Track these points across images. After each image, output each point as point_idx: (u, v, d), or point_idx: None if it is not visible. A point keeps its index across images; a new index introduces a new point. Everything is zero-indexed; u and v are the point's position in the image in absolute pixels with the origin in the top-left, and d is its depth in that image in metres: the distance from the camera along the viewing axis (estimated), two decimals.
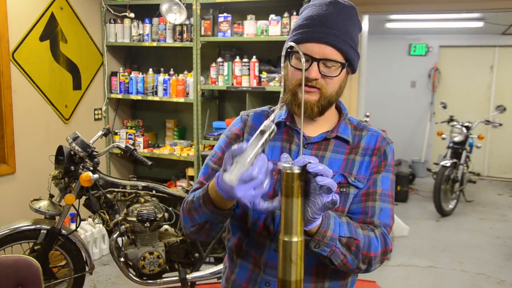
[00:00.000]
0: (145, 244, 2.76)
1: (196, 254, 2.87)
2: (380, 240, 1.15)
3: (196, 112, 3.99)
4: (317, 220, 1.01)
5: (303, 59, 1.00)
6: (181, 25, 3.96)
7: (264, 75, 3.76)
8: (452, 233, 4.90)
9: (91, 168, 2.73)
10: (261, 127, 0.97)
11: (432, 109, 7.60)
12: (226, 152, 1.29)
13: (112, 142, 4.26)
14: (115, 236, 2.74)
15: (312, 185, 0.95)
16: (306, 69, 1.14)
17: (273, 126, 0.97)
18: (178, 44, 4.03)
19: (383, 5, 4.44)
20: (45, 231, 2.69)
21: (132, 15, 4.07)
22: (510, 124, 7.06)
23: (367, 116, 5.15)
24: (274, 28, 3.68)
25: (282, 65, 1.11)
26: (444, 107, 5.98)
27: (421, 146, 7.51)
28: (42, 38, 3.59)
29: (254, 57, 3.80)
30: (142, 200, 2.80)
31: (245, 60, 3.80)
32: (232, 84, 3.87)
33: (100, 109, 4.28)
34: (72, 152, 2.71)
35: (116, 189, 2.81)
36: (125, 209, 2.77)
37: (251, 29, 3.77)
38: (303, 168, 0.94)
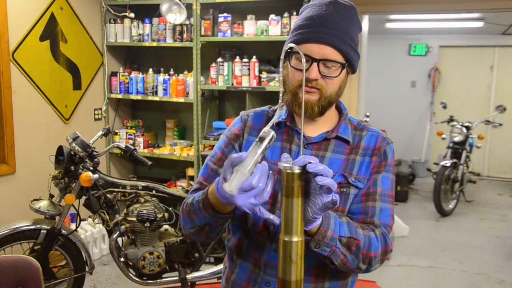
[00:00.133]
0: (145, 244, 2.76)
1: (196, 254, 2.87)
2: (380, 240, 1.16)
3: (196, 112, 3.99)
4: (317, 220, 1.02)
5: (303, 60, 1.00)
6: (181, 25, 3.96)
7: (264, 75, 3.76)
8: (452, 233, 4.90)
9: (91, 168, 2.73)
10: (260, 134, 0.98)
11: (432, 109, 7.60)
12: (225, 152, 1.30)
13: (112, 142, 4.26)
14: (115, 236, 2.74)
15: (312, 185, 0.95)
16: (306, 70, 1.14)
17: (273, 133, 0.98)
18: (178, 44, 4.03)
19: (383, 5, 4.44)
20: (45, 231, 2.69)
21: (132, 15, 4.07)
22: (510, 124, 7.06)
23: (367, 116, 5.15)
24: (274, 28, 3.68)
25: (280, 68, 1.10)
26: (444, 107, 5.98)
27: (421, 146, 7.51)
28: (42, 38, 3.59)
29: (254, 57, 3.80)
30: (142, 200, 2.80)
31: (245, 60, 3.80)
32: (232, 84, 3.87)
33: (100, 109, 4.28)
34: (72, 152, 2.71)
35: (116, 189, 2.81)
36: (125, 209, 2.77)
37: (251, 29, 3.77)
38: (303, 168, 0.94)
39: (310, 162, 0.93)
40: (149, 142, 4.46)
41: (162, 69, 4.23)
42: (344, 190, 1.21)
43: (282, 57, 1.08)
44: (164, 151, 4.23)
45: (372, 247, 1.13)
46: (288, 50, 1.18)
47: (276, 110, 1.33)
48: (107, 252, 3.83)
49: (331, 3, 1.17)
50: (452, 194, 5.59)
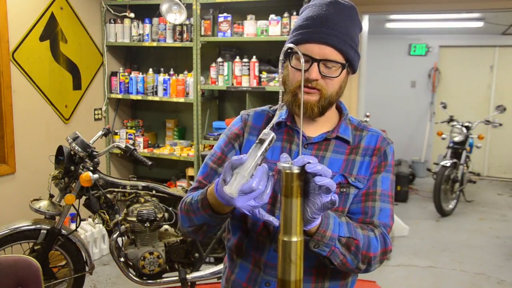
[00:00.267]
0: (145, 244, 2.76)
1: (196, 254, 2.87)
2: (379, 240, 1.16)
3: (196, 112, 3.99)
4: (316, 220, 1.02)
5: (302, 60, 1.01)
6: (181, 25, 3.96)
7: (264, 75, 3.76)
8: (452, 233, 4.90)
9: (91, 168, 2.73)
10: (260, 136, 0.98)
11: (432, 109, 7.59)
12: (225, 151, 1.30)
13: (112, 142, 4.26)
14: (115, 236, 2.74)
15: (311, 185, 0.95)
16: (306, 70, 1.14)
17: (272, 134, 0.98)
18: (178, 44, 4.03)
19: (383, 5, 4.44)
20: (45, 231, 2.69)
21: (132, 15, 4.07)
22: (510, 124, 7.06)
23: (367, 116, 5.15)
24: (274, 28, 3.68)
25: (280, 68, 1.10)
26: (444, 107, 5.98)
27: (421, 146, 7.51)
28: (42, 38, 3.59)
29: (254, 57, 3.80)
30: (142, 200, 2.80)
31: (245, 60, 3.80)
32: (232, 84, 3.87)
33: (100, 109, 4.28)
34: (72, 152, 2.71)
35: (116, 189, 2.81)
36: (125, 209, 2.77)
37: (251, 29, 3.77)
38: (302, 168, 0.94)
39: (309, 162, 0.93)
40: (149, 142, 4.46)
41: (162, 69, 4.23)
42: (344, 190, 1.21)
43: (281, 58, 1.09)
44: (164, 151, 4.23)
45: (371, 247, 1.13)
46: (289, 51, 1.18)
47: (276, 110, 1.33)
48: (107, 252, 3.83)
49: (332, 3, 1.17)
50: (452, 194, 5.59)
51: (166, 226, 2.93)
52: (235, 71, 3.83)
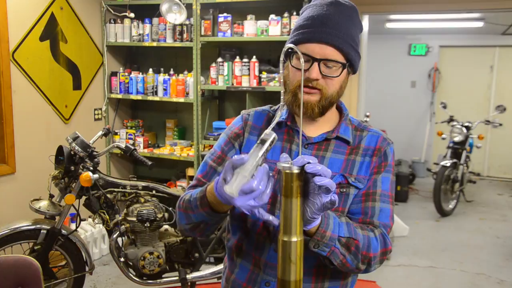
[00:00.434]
0: (145, 244, 2.76)
1: (196, 254, 2.87)
2: (379, 240, 1.16)
3: (196, 112, 3.99)
4: (316, 220, 1.02)
5: (302, 60, 1.01)
6: (181, 25, 3.96)
7: (264, 75, 3.76)
8: (452, 233, 4.90)
9: (91, 168, 2.73)
10: (262, 136, 0.97)
11: (432, 109, 7.59)
12: (225, 150, 1.30)
13: (112, 142, 4.26)
14: (115, 236, 2.74)
15: (311, 185, 0.95)
16: (307, 70, 1.14)
17: (274, 135, 0.98)
18: (178, 44, 4.03)
19: (383, 5, 4.44)
20: (45, 231, 2.69)
21: (132, 15, 4.07)
22: (510, 124, 7.06)
23: (367, 116, 5.15)
24: (274, 28, 3.68)
25: (281, 68, 1.11)
26: (444, 107, 5.98)
27: (421, 146, 7.51)
28: (42, 38, 3.59)
29: (254, 57, 3.80)
30: (142, 200, 2.80)
31: (245, 60, 3.80)
32: (232, 84, 3.87)
33: (100, 109, 4.28)
34: (72, 152, 2.71)
35: (116, 189, 2.81)
36: (125, 209, 2.77)
37: (251, 29, 3.77)
38: (302, 168, 0.94)
39: (308, 162, 0.93)
40: (149, 142, 4.46)
41: (162, 69, 4.23)
42: (344, 190, 1.21)
43: (281, 58, 1.09)
44: (164, 151, 4.23)
45: (371, 247, 1.13)
46: (289, 50, 1.18)
47: (276, 110, 1.33)
48: (107, 252, 3.83)
49: (332, 3, 1.17)
50: (452, 194, 5.59)
51: (166, 226, 2.93)
52: (235, 71, 3.83)
